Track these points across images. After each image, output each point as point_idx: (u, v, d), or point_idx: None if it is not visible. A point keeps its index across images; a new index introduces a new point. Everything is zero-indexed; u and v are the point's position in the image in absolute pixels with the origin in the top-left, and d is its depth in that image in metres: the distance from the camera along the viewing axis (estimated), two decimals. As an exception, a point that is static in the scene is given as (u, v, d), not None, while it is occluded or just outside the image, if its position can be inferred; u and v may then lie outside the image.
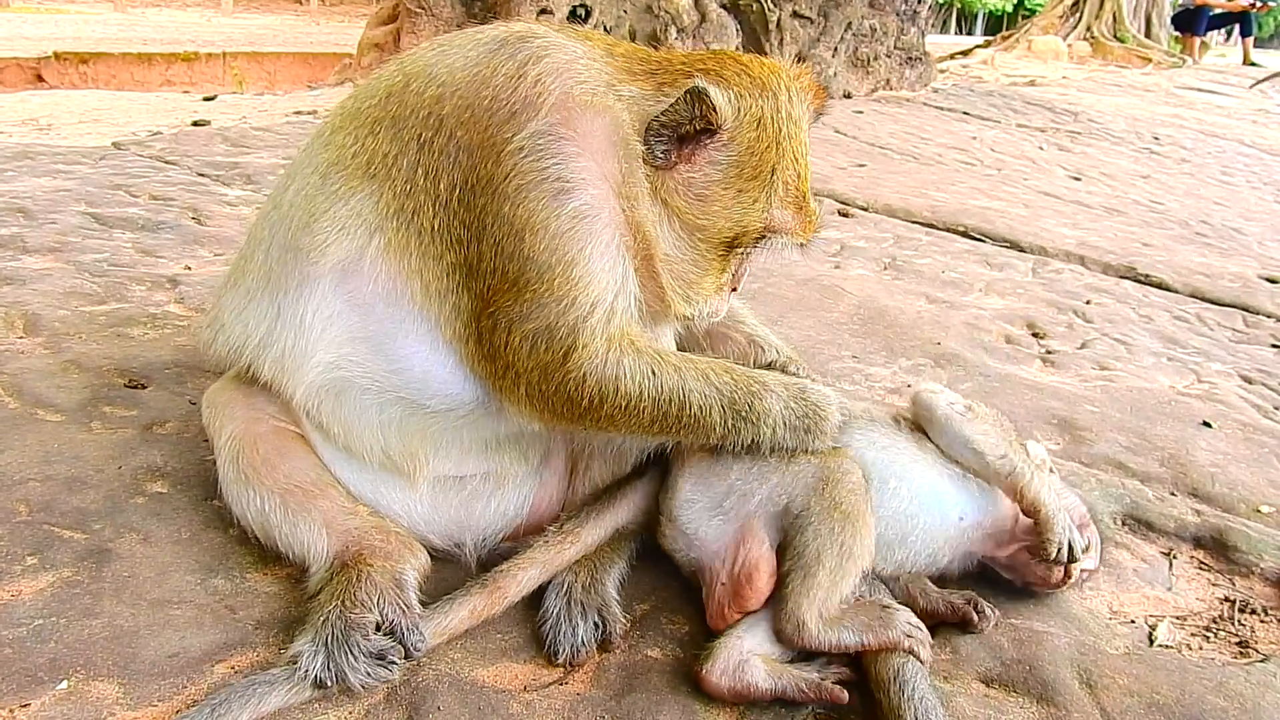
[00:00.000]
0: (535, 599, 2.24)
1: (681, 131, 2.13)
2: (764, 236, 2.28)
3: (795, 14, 11.69)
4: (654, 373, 2.07)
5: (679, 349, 2.59)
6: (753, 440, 2.15)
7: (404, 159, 2.10)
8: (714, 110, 2.10)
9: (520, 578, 2.23)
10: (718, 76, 2.18)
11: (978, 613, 2.25)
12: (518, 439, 2.36)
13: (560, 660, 2.10)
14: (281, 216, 2.25)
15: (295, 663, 1.92)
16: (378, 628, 2.01)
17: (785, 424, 2.15)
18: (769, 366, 2.50)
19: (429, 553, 2.28)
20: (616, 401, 2.06)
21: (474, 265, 2.05)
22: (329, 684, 1.91)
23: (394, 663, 1.97)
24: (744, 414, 2.13)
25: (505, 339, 2.04)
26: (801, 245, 2.34)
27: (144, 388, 3.11)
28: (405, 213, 2.10)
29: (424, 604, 2.12)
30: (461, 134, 2.05)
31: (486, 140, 2.03)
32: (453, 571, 2.30)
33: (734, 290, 2.42)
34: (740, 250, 2.29)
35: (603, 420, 2.11)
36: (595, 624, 2.16)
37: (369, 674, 1.94)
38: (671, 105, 2.11)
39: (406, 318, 2.13)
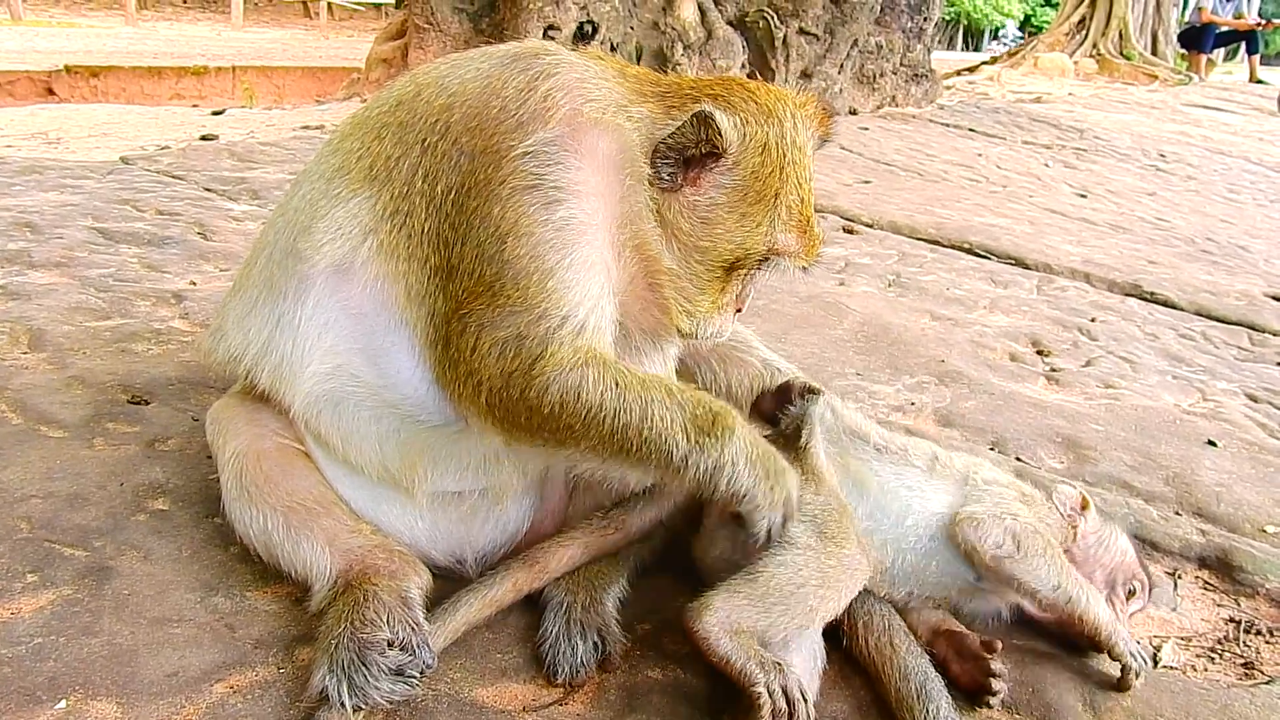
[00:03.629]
0: (535, 618, 2.24)
1: (687, 154, 2.14)
2: (766, 259, 2.28)
3: (801, 31, 11.72)
4: (617, 384, 2.01)
5: (687, 375, 2.61)
6: (715, 465, 2.00)
7: (405, 161, 2.11)
8: (719, 134, 2.11)
9: (561, 555, 2.28)
10: (725, 102, 2.19)
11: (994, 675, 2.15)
12: (516, 454, 2.35)
13: (560, 680, 2.09)
14: (286, 222, 2.27)
15: (325, 698, 1.91)
16: (390, 645, 2.00)
17: (746, 457, 2.02)
18: (785, 388, 2.49)
19: (430, 570, 2.27)
20: (577, 410, 1.99)
21: (454, 267, 2.05)
22: (361, 708, 1.91)
23: (413, 677, 1.97)
24: (706, 429, 2.00)
25: (473, 344, 2.02)
26: (804, 268, 2.34)
27: (147, 404, 3.12)
28: (400, 214, 2.10)
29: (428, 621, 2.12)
30: (466, 140, 2.07)
31: (490, 146, 2.04)
32: (453, 589, 2.29)
33: (738, 311, 2.41)
34: (742, 272, 2.29)
35: (561, 431, 2.02)
36: (595, 644, 2.15)
37: (391, 689, 1.94)
38: (678, 128, 2.13)
39: (393, 325, 2.13)
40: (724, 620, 2.01)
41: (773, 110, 2.22)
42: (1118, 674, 2.20)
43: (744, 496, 2.03)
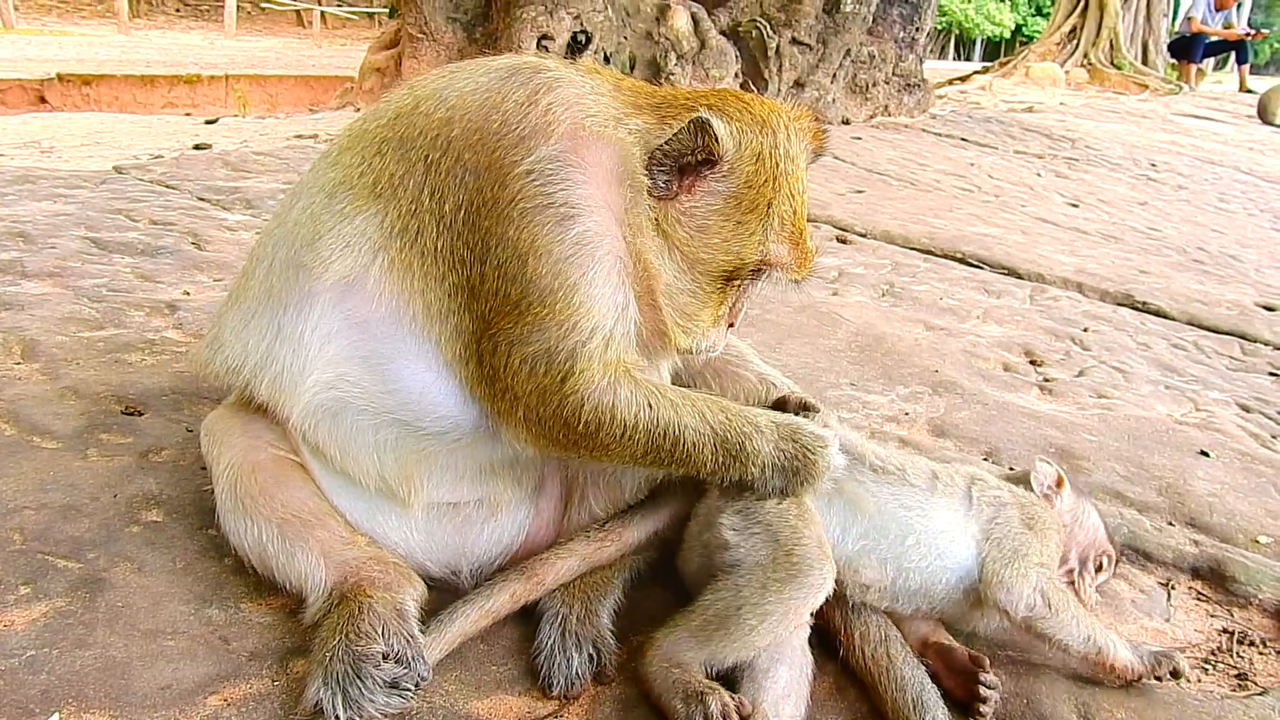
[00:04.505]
0: (529, 630, 2.24)
1: (683, 161, 2.16)
2: (760, 270, 2.30)
3: (794, 41, 11.76)
4: (650, 405, 2.08)
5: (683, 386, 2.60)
6: (741, 478, 2.17)
7: (410, 179, 2.11)
8: (716, 141, 2.13)
9: (559, 566, 2.29)
10: (720, 111, 2.21)
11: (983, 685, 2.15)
12: (512, 465, 2.36)
13: (555, 693, 2.09)
14: (286, 234, 2.26)
15: (320, 711, 1.91)
16: (384, 658, 2.00)
17: (774, 466, 2.16)
18: (781, 403, 2.49)
19: (426, 582, 2.27)
20: (612, 430, 2.07)
21: (476, 287, 2.07)
22: None
23: (408, 689, 1.97)
24: (734, 453, 2.14)
25: (505, 361, 2.05)
26: (796, 281, 2.36)
27: (141, 415, 3.11)
28: (409, 233, 2.11)
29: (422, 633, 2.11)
30: (469, 156, 2.07)
31: (494, 163, 2.05)
32: (448, 600, 2.28)
33: (731, 325, 2.42)
34: (737, 283, 2.31)
35: (597, 448, 2.11)
36: (590, 656, 2.15)
37: (386, 702, 1.94)
38: (675, 135, 2.14)
39: (406, 337, 2.13)
40: (664, 656, 2.07)
41: (767, 121, 2.23)
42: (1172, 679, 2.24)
43: (779, 493, 2.19)
